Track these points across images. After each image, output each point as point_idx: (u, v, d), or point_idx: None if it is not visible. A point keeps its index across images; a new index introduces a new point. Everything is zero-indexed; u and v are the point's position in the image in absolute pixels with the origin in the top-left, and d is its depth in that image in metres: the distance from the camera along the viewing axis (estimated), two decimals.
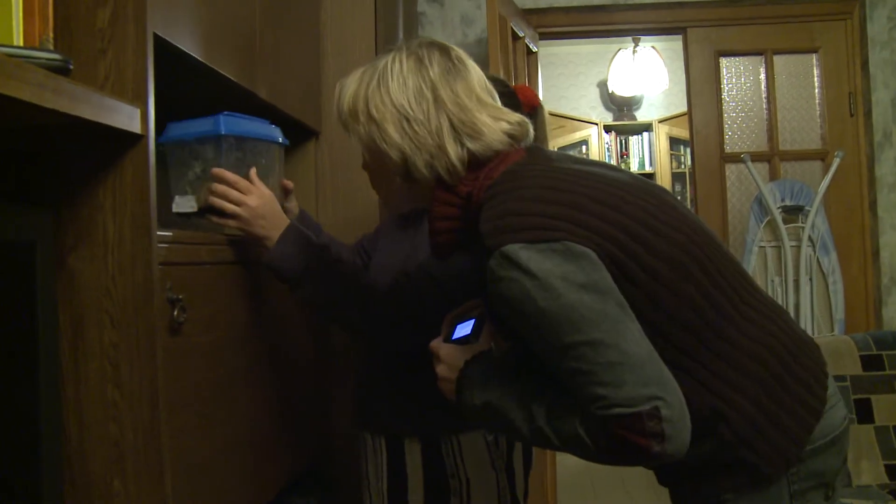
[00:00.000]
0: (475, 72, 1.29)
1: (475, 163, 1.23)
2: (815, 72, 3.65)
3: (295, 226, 1.52)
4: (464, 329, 1.30)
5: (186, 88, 1.62)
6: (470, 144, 1.21)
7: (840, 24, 3.59)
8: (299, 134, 2.14)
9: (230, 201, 1.46)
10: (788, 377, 1.18)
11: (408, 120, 1.22)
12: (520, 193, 1.14)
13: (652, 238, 1.12)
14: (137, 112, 1.12)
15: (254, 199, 1.47)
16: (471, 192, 1.22)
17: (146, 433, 1.13)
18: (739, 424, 1.13)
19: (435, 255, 1.32)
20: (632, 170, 6.11)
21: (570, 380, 1.07)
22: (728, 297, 1.17)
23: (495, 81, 1.64)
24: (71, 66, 1.00)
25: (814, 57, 3.64)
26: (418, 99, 1.22)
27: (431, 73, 1.23)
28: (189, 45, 1.35)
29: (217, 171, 1.47)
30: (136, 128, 1.12)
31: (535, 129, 1.66)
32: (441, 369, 1.28)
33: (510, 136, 1.25)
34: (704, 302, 1.14)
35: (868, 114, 3.52)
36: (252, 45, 1.67)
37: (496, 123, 1.24)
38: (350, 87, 1.30)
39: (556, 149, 6.04)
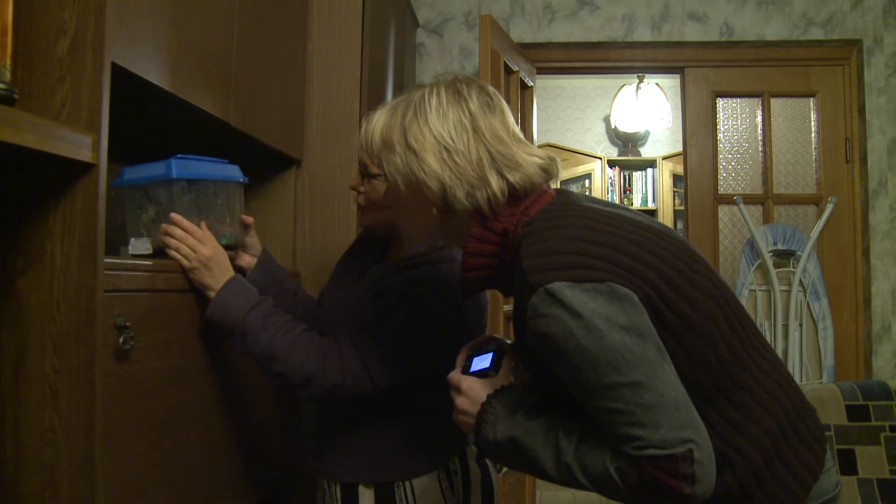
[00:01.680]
0: (508, 109, 1.31)
1: (514, 196, 1.23)
2: (812, 116, 3.65)
3: (238, 278, 1.53)
4: (482, 362, 1.29)
5: (160, 115, 1.64)
6: (510, 176, 1.22)
7: (838, 69, 3.59)
8: (280, 161, 2.16)
9: (186, 246, 1.48)
10: (793, 432, 1.19)
11: (448, 150, 1.22)
12: (562, 232, 1.15)
13: (682, 283, 1.14)
14: (89, 140, 1.13)
15: (208, 248, 1.49)
16: (507, 228, 1.22)
17: (80, 459, 1.13)
18: (744, 473, 1.14)
19: (463, 291, 1.32)
20: (634, 206, 6.12)
21: (604, 419, 1.08)
22: (744, 346, 1.20)
23: None
24: (16, 95, 1.02)
25: (811, 101, 3.64)
26: (458, 130, 1.23)
27: (471, 106, 1.24)
28: (154, 73, 1.36)
29: (175, 217, 1.49)
30: (85, 157, 1.12)
31: None
32: (461, 402, 1.26)
33: (544, 170, 1.26)
34: (725, 349, 1.16)
35: (864, 160, 3.52)
36: (227, 73, 1.69)
37: (530, 157, 1.25)
38: (381, 118, 1.31)
39: (559, 182, 6.04)
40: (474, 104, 1.25)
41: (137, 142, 1.77)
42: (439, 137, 1.23)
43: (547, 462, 1.15)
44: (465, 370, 1.30)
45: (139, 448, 1.31)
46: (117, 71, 1.22)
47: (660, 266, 1.13)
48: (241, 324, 1.48)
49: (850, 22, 3.53)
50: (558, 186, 1.35)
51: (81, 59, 1.16)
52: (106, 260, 1.18)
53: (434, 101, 1.26)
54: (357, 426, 1.61)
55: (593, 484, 1.11)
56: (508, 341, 1.34)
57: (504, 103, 1.31)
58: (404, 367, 1.52)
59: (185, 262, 1.48)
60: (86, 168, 1.15)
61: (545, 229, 1.17)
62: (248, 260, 1.72)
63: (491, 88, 1.32)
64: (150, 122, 1.71)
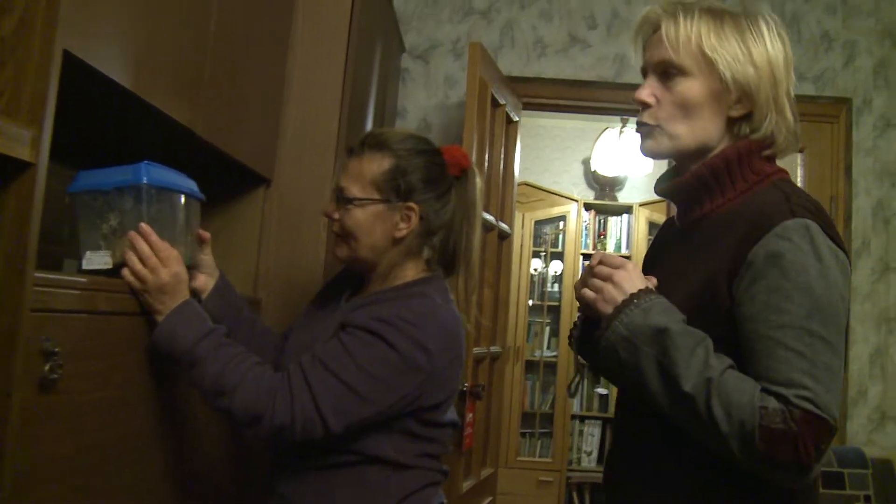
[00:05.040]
0: None
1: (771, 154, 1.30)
2: (799, 171, 3.57)
3: (190, 303, 1.38)
4: None
5: (119, 118, 1.49)
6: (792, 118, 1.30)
7: (827, 126, 3.53)
8: (248, 179, 2.01)
9: (147, 267, 1.33)
10: None
11: (775, 78, 1.27)
12: (819, 206, 1.21)
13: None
14: (28, 136, 0.98)
15: (168, 273, 1.34)
16: (766, 171, 1.27)
17: None
18: None
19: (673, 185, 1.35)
20: (608, 251, 6.02)
21: (781, 355, 1.10)
22: None
23: (417, 140, 1.52)
24: None
25: (798, 157, 3.57)
26: (786, 63, 1.29)
27: (788, 50, 1.30)
28: (114, 68, 1.21)
29: (145, 229, 1.34)
30: (22, 154, 0.97)
31: (465, 192, 1.54)
32: (608, 288, 1.23)
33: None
34: None
35: (848, 220, 3.45)
36: (198, 79, 1.55)
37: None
38: (710, 27, 1.30)
39: (532, 223, 5.94)
40: (789, 51, 1.31)
41: (93, 146, 1.62)
42: (772, 61, 1.27)
43: (685, 370, 1.11)
44: None
45: (60, 492, 1.13)
46: (71, 61, 1.07)
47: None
48: (188, 354, 1.32)
49: (841, 80, 3.49)
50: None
51: (28, 42, 1.01)
52: (37, 275, 1.02)
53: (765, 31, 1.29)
54: (304, 480, 1.44)
55: (721, 410, 1.08)
56: None
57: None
58: (361, 409, 1.35)
59: (136, 284, 1.32)
60: (22, 167, 0.99)
61: (798, 193, 1.24)
62: (202, 280, 1.55)
63: None
64: (107, 125, 1.55)
